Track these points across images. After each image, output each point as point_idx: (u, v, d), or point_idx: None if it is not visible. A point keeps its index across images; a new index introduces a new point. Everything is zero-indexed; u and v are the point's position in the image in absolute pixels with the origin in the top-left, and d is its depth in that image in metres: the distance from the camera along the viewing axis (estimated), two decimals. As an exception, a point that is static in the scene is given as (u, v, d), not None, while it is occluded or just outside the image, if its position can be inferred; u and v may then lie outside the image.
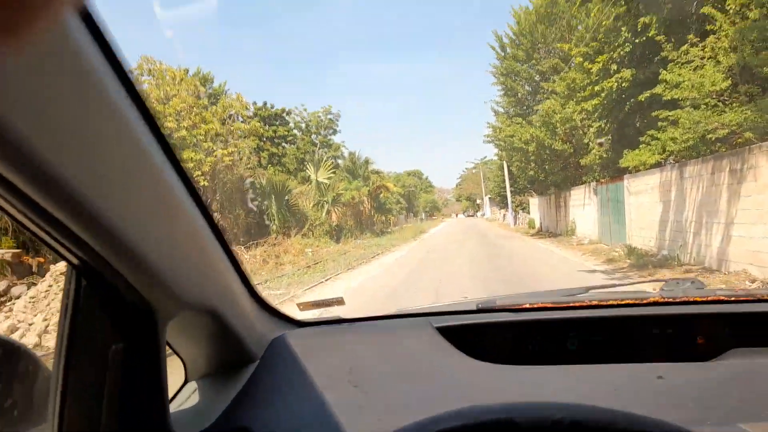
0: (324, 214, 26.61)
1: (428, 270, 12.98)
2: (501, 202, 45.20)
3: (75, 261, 0.68)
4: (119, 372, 0.74)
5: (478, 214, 79.38)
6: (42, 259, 11.94)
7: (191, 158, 21.18)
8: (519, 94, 25.74)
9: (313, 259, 18.50)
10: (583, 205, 19.03)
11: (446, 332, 1.30)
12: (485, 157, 64.17)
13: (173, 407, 1.00)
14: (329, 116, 36.94)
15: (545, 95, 21.65)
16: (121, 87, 0.57)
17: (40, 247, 14.03)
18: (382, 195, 34.70)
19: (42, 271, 11.67)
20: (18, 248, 12.24)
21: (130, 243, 0.63)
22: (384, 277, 12.22)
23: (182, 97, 21.71)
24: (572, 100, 16.93)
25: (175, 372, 0.96)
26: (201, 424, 0.94)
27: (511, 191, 34.72)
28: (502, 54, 25.70)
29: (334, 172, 29.37)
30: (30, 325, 7.58)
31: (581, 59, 15.30)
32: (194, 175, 21.52)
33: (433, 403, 0.96)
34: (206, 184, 21.60)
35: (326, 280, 12.38)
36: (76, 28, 0.50)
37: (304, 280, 12.51)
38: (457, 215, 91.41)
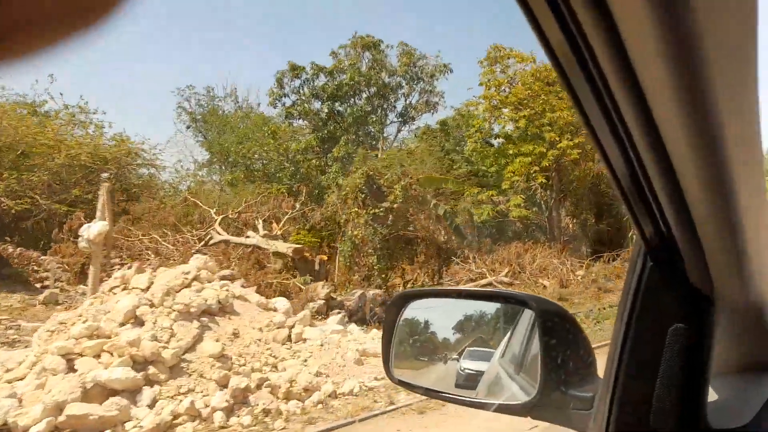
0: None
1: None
2: None
3: (647, 239, 0.74)
4: (675, 352, 0.77)
5: None
6: (324, 257, 11.89)
7: (530, 151, 18.72)
8: None
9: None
10: None
11: None
12: None
13: None
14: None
15: None
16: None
17: (330, 243, 14.32)
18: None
19: (322, 270, 11.57)
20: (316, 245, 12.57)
21: (715, 229, 0.67)
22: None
23: (527, 83, 19.36)
24: None
25: None
26: (732, 421, 0.94)
27: None
28: None
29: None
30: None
31: None
32: (531, 171, 18.99)
33: None
34: (543, 181, 18.77)
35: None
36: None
37: (594, 334, 8.61)
38: None
